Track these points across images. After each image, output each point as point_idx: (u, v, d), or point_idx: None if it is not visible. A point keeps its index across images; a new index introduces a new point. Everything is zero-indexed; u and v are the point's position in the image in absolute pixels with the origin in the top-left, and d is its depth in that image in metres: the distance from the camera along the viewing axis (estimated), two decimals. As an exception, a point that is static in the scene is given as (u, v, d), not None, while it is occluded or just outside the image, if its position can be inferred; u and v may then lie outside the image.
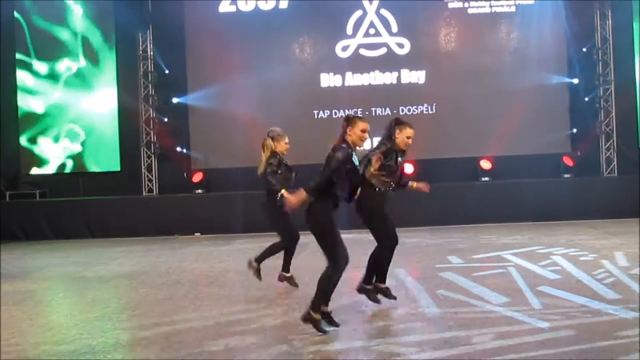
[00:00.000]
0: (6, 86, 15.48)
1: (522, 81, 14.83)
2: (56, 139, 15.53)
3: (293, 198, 5.39)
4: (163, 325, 5.97)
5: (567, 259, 8.76)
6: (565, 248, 9.80)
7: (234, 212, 13.49)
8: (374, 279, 6.38)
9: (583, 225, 12.45)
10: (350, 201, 5.69)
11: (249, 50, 15.22)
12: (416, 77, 15.31)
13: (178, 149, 15.49)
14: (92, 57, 15.57)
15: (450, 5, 15.28)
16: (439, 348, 4.87)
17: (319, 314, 5.40)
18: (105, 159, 15.59)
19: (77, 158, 15.55)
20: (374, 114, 14.81)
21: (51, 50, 15.55)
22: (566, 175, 14.51)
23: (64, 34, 15.53)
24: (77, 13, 15.54)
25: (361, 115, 6.01)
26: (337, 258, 5.38)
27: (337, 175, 5.37)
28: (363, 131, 5.49)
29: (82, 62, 15.54)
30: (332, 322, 5.51)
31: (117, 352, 5.22)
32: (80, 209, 14.36)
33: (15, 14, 15.50)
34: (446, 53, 15.39)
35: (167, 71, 15.57)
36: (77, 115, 15.54)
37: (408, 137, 6.26)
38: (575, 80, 15.01)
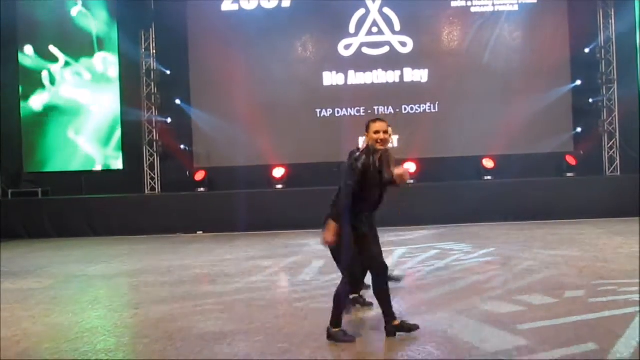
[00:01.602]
0: (7, 84, 15.48)
1: (525, 80, 14.85)
2: (59, 136, 15.57)
3: (327, 233, 5.01)
4: (165, 324, 5.97)
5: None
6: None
7: (236, 210, 13.47)
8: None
9: (584, 224, 12.44)
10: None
11: (251, 49, 15.23)
12: (419, 75, 15.31)
13: (181, 146, 15.49)
14: (94, 55, 15.59)
15: (453, 4, 15.29)
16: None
17: (338, 329, 5.19)
18: (108, 157, 15.60)
19: (77, 156, 15.59)
20: (376, 113, 14.83)
21: (50, 63, 15.58)
22: (569, 174, 14.52)
23: (65, 31, 15.56)
24: (79, 11, 15.55)
25: (376, 118, 5.49)
26: (349, 272, 5.20)
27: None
28: (376, 132, 5.19)
29: (84, 60, 15.57)
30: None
31: (119, 351, 5.22)
32: (82, 207, 14.37)
33: (18, 11, 15.52)
34: (449, 52, 15.39)
35: (168, 72, 15.56)
36: (78, 113, 15.56)
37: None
38: (579, 82, 14.99)
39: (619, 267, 7.95)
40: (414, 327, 5.18)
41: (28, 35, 15.60)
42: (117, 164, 15.62)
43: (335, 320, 5.18)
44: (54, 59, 15.56)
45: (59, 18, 15.57)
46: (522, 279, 7.50)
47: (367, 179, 5.04)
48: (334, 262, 7.07)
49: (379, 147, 5.17)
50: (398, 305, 6.37)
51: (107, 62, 15.63)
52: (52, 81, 15.59)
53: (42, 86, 15.58)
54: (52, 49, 15.53)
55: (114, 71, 15.64)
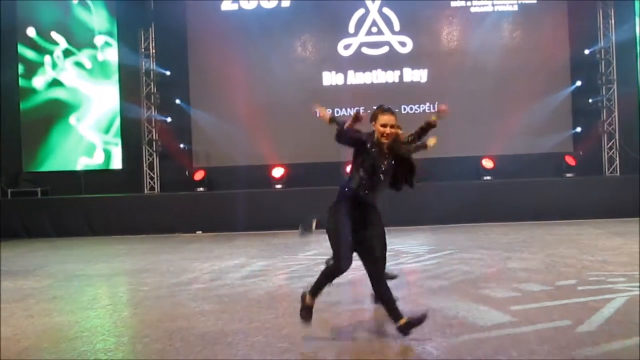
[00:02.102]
0: (7, 84, 15.47)
1: (525, 80, 14.82)
2: (60, 135, 15.56)
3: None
4: (165, 323, 5.96)
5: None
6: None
7: (235, 210, 13.48)
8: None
9: (584, 225, 12.45)
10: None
11: (251, 48, 15.22)
12: (418, 75, 15.31)
13: (181, 145, 15.49)
14: (94, 54, 15.59)
15: (453, 3, 15.29)
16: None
17: (312, 300, 5.24)
18: (107, 157, 15.59)
19: (78, 155, 15.58)
20: (376, 113, 14.80)
21: (52, 48, 15.58)
22: (568, 175, 14.52)
23: (66, 31, 15.56)
24: (80, 10, 15.55)
25: (385, 108, 5.40)
26: (337, 259, 5.10)
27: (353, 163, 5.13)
28: (383, 125, 5.13)
29: (84, 59, 15.56)
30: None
31: (119, 351, 5.21)
32: (81, 206, 14.37)
33: (18, 10, 15.53)
34: (448, 52, 15.39)
35: (168, 73, 15.53)
36: (79, 102, 15.56)
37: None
38: (579, 83, 14.96)
39: (616, 267, 7.96)
40: (422, 318, 5.04)
41: (28, 25, 15.60)
42: (116, 163, 15.59)
43: (314, 289, 5.24)
44: (56, 44, 15.58)
45: (60, 12, 15.58)
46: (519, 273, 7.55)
47: (361, 152, 5.11)
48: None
49: (383, 140, 5.13)
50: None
51: (106, 60, 15.61)
52: (54, 66, 15.61)
53: (43, 69, 15.60)
54: (54, 34, 15.56)
55: (113, 69, 15.62)
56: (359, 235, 5.09)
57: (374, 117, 5.23)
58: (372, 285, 5.21)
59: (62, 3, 15.57)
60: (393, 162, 5.19)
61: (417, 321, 5.04)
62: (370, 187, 5.11)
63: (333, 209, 5.17)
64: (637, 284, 6.86)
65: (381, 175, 5.12)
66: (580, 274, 7.63)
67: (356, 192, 5.09)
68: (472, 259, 9.16)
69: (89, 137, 15.58)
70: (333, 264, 5.18)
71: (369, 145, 5.10)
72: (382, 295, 5.16)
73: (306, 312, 5.23)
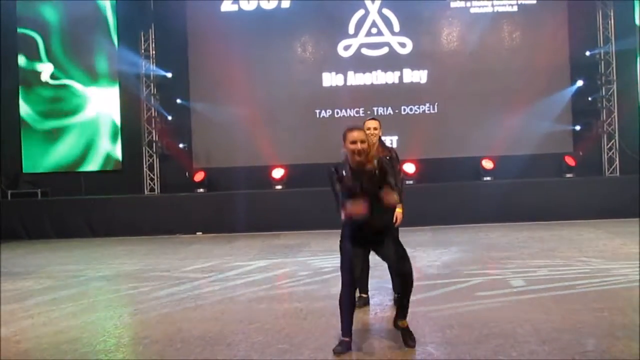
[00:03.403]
0: (7, 85, 15.47)
1: (524, 81, 14.78)
2: (59, 136, 15.56)
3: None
4: (165, 324, 5.97)
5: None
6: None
7: (235, 211, 13.47)
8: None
9: (583, 225, 12.43)
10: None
11: (251, 49, 15.20)
12: (418, 76, 15.29)
13: (180, 145, 15.48)
14: (94, 54, 15.58)
15: (453, 4, 15.26)
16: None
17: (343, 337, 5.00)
18: (107, 158, 15.58)
19: (78, 156, 15.57)
20: (375, 114, 14.78)
21: (53, 47, 15.60)
22: (568, 175, 14.50)
23: (66, 31, 15.56)
24: (80, 10, 15.55)
25: (353, 126, 5.11)
26: (342, 280, 5.05)
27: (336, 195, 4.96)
28: (353, 142, 4.88)
29: (84, 59, 15.57)
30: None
31: (119, 352, 5.22)
32: (81, 207, 14.37)
33: (17, 10, 15.53)
34: (448, 52, 15.37)
35: (169, 75, 15.49)
36: (78, 112, 15.56)
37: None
38: (580, 83, 14.91)
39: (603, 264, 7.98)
40: (410, 344, 4.96)
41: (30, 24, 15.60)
42: (116, 164, 15.58)
43: (341, 327, 5.03)
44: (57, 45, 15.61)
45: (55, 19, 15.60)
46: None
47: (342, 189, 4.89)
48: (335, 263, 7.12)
49: (357, 158, 4.87)
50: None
51: (106, 61, 15.61)
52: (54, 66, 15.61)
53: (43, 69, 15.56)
54: (56, 34, 15.59)
55: (113, 70, 15.60)
56: (379, 250, 5.05)
57: (344, 137, 4.96)
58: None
59: (67, 3, 15.60)
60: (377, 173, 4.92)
61: (409, 341, 4.99)
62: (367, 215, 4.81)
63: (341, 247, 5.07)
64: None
65: (369, 197, 4.82)
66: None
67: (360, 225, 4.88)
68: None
69: (90, 137, 15.56)
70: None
71: (344, 173, 4.91)
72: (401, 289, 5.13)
73: (341, 347, 4.90)
